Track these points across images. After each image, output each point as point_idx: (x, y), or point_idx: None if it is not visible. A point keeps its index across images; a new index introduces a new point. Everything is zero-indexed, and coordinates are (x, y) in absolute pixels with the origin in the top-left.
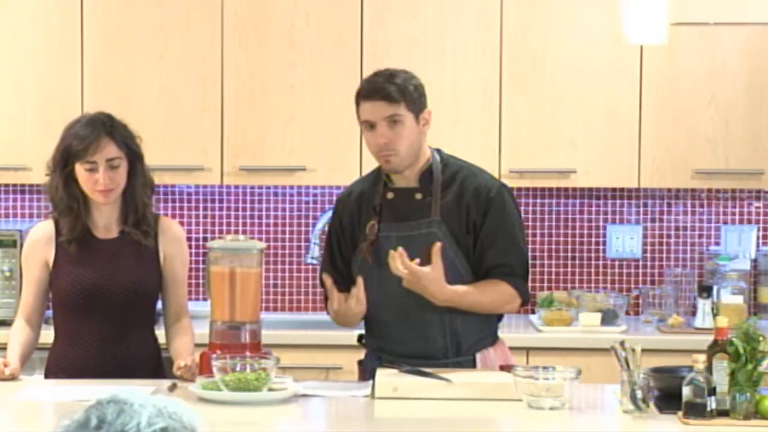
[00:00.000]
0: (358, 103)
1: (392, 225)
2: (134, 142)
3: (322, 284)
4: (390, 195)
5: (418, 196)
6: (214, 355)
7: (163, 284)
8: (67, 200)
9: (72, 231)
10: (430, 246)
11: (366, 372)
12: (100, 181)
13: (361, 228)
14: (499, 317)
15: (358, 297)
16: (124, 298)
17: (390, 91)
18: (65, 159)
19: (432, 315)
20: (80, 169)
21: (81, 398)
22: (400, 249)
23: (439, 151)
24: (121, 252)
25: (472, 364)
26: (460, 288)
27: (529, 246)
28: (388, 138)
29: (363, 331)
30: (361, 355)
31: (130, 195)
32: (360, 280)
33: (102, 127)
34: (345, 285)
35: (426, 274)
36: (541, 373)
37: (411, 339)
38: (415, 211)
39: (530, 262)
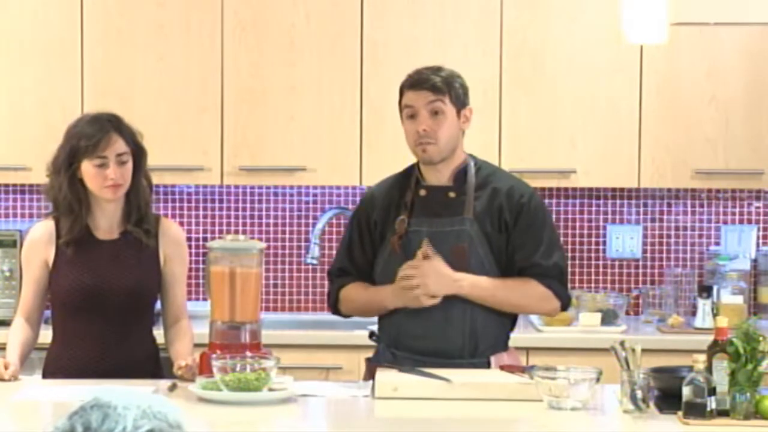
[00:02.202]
0: (401, 93)
1: (423, 220)
2: (139, 139)
3: (330, 278)
4: (422, 192)
5: (452, 194)
6: (214, 355)
7: (162, 285)
8: (70, 200)
9: (70, 232)
10: (459, 243)
11: (375, 369)
12: (110, 176)
13: (390, 223)
14: (512, 326)
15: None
16: (124, 300)
17: (435, 81)
18: (72, 157)
19: (453, 313)
20: (88, 167)
21: (80, 399)
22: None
23: (473, 156)
24: (121, 253)
25: (486, 367)
26: (487, 281)
27: None
28: (428, 126)
29: (373, 328)
30: (364, 353)
31: (134, 193)
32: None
33: (109, 124)
34: (357, 278)
35: (431, 262)
36: (560, 374)
37: (430, 335)
38: (447, 208)
39: (569, 269)
